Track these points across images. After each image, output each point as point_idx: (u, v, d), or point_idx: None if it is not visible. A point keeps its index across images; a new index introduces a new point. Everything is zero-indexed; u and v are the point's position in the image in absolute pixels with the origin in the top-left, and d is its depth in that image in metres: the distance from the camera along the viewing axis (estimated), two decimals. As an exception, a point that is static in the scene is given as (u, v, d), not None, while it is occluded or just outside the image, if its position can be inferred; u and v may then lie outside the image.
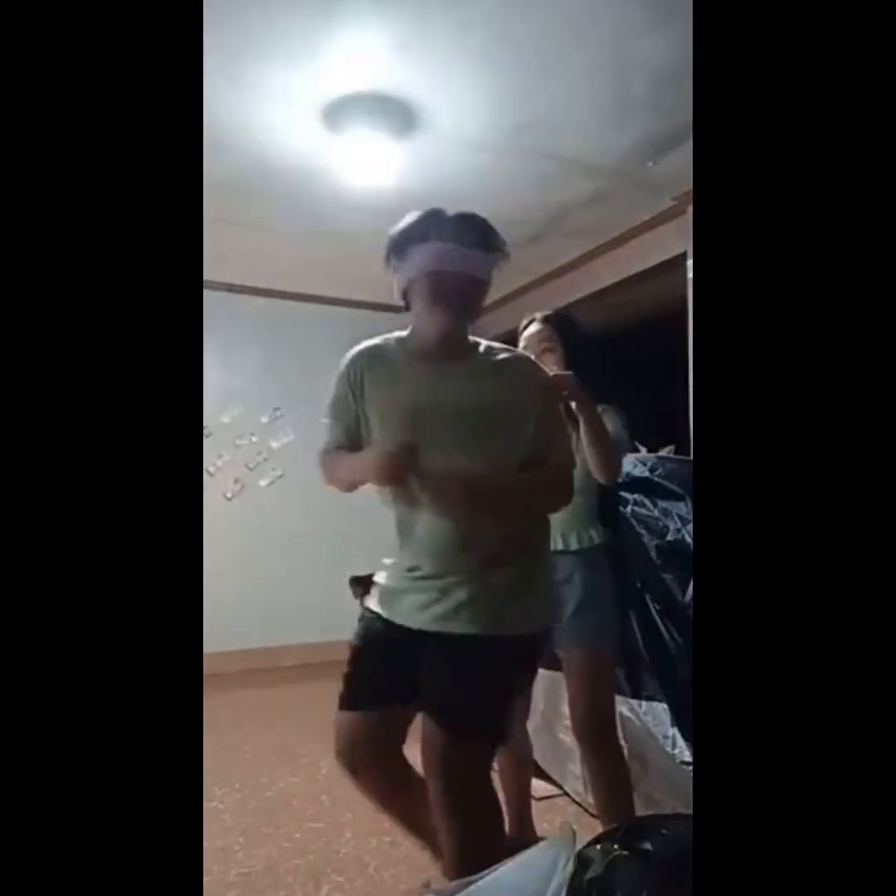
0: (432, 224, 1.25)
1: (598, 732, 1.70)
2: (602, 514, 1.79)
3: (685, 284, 2.96)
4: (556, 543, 1.77)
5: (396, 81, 2.20)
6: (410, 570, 1.31)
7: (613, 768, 1.72)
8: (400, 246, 1.26)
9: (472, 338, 1.36)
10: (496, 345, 1.37)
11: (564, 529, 1.74)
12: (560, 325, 1.81)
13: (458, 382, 1.28)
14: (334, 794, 2.31)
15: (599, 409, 1.68)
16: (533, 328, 1.83)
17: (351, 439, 1.37)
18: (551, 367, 1.76)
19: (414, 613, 1.28)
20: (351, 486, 1.39)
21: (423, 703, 1.27)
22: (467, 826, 1.23)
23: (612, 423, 1.70)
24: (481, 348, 1.35)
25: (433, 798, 1.24)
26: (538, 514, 1.38)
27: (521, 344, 1.83)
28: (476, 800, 1.26)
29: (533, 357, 1.78)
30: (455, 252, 1.22)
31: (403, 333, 1.37)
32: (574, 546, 1.73)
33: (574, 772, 2.16)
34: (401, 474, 1.22)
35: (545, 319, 1.83)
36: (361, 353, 1.37)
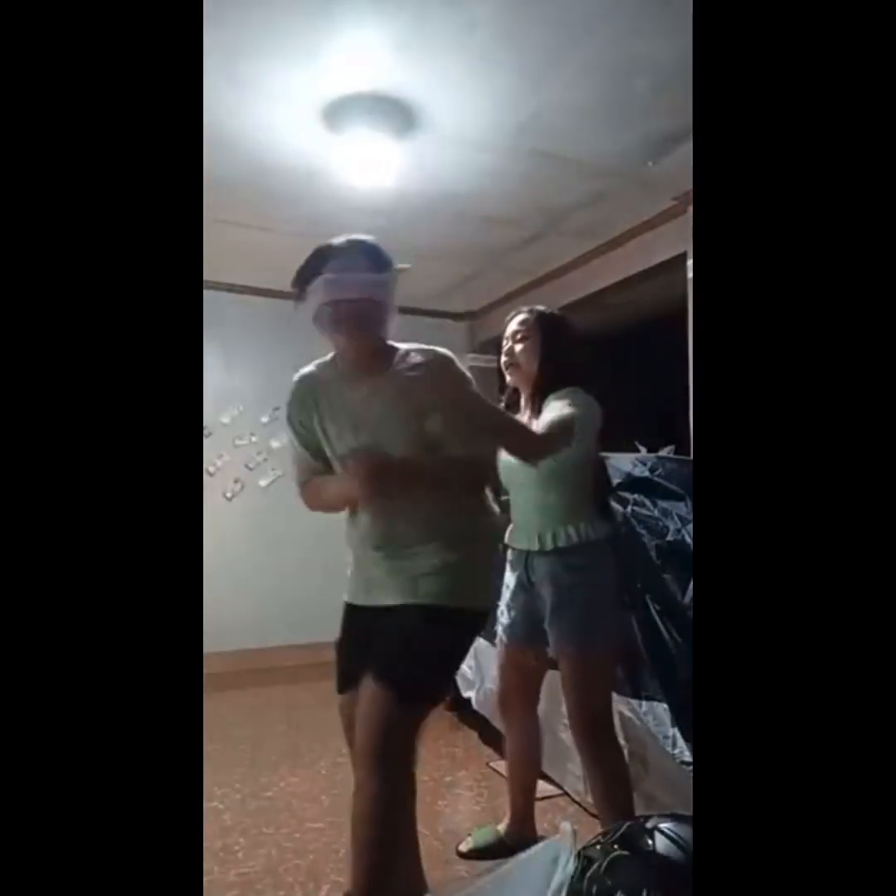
0: (320, 260, 1.37)
1: (591, 731, 1.70)
2: (590, 510, 1.75)
3: (685, 284, 2.96)
4: (532, 543, 1.77)
5: (396, 81, 2.20)
6: (358, 555, 1.49)
7: (611, 767, 1.71)
8: (301, 284, 1.38)
9: (392, 344, 1.46)
10: (415, 347, 1.45)
11: (540, 529, 1.74)
12: (542, 318, 1.84)
13: (381, 394, 1.40)
14: (334, 794, 2.31)
15: (563, 392, 1.70)
16: (515, 319, 1.87)
17: (322, 462, 1.50)
18: (526, 356, 1.82)
19: (361, 594, 1.48)
20: (334, 508, 1.53)
21: (369, 669, 1.37)
22: (378, 776, 1.30)
23: (567, 407, 1.64)
24: (399, 355, 1.44)
25: (358, 751, 1.34)
26: (441, 501, 1.44)
27: (504, 334, 1.88)
28: (393, 753, 1.32)
29: (508, 345, 1.86)
30: (345, 279, 1.34)
31: (329, 356, 1.51)
32: (549, 545, 1.72)
33: (574, 771, 2.16)
34: (380, 481, 1.33)
35: (530, 311, 1.87)
36: (302, 380, 1.51)
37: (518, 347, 1.83)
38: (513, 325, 1.86)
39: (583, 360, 1.84)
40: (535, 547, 1.75)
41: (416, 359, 1.42)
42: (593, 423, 1.73)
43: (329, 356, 1.51)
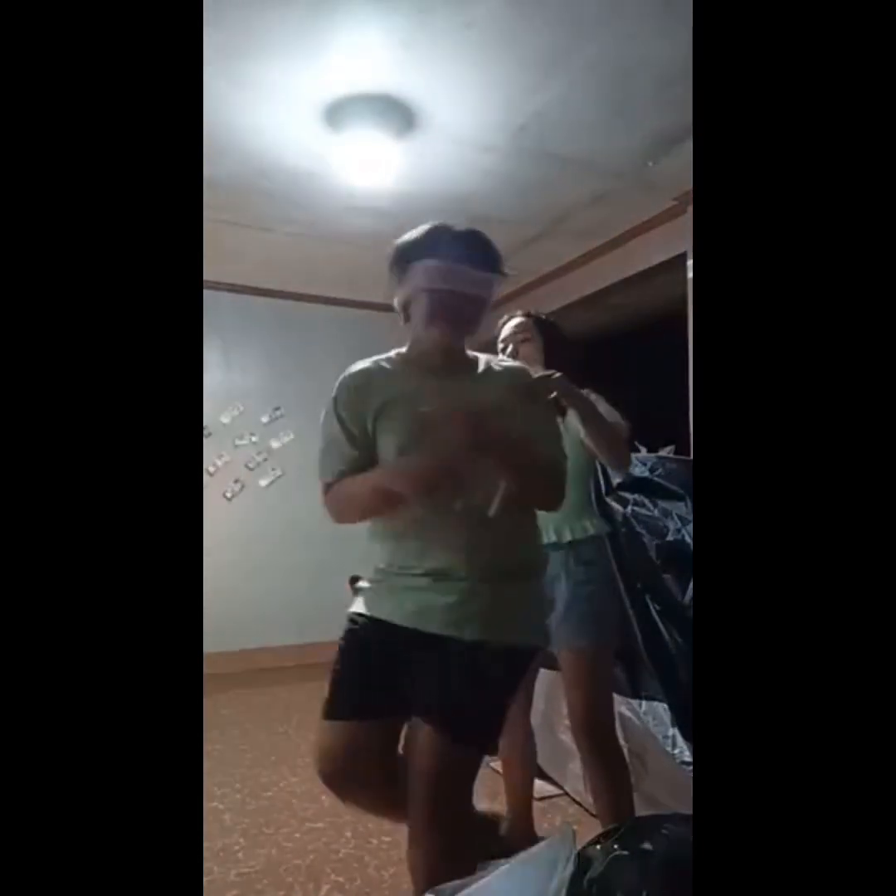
0: (434, 241, 1.25)
1: (593, 731, 1.70)
2: (597, 505, 1.80)
3: (685, 284, 2.96)
4: (549, 536, 1.77)
5: (397, 81, 2.20)
6: (404, 568, 1.27)
7: (612, 768, 1.71)
8: (401, 260, 1.27)
9: (471, 353, 1.37)
10: (495, 360, 1.39)
11: (557, 525, 1.74)
12: (539, 321, 1.86)
13: (459, 394, 1.27)
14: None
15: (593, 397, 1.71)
16: (513, 321, 1.88)
17: (358, 469, 1.30)
18: (529, 358, 1.80)
19: (411, 614, 1.25)
20: (370, 511, 1.31)
21: (418, 706, 1.23)
22: (448, 834, 1.20)
23: (602, 406, 1.71)
24: (481, 363, 1.36)
25: (418, 803, 1.21)
26: (532, 503, 1.35)
27: (500, 337, 1.88)
28: (461, 808, 1.23)
29: (511, 348, 1.85)
30: (454, 271, 1.22)
31: (400, 350, 1.37)
32: (567, 537, 1.73)
33: (574, 772, 2.16)
34: (439, 481, 1.15)
35: (525, 314, 1.88)
36: (361, 372, 1.34)
37: (522, 349, 1.83)
38: (510, 329, 1.87)
39: (579, 361, 1.85)
40: (552, 539, 1.75)
41: (497, 368, 1.36)
42: None
43: (393, 352, 1.37)
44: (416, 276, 1.24)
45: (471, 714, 1.20)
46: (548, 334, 1.84)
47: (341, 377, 1.35)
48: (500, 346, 1.87)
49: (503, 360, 1.41)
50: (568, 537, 1.73)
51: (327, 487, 1.33)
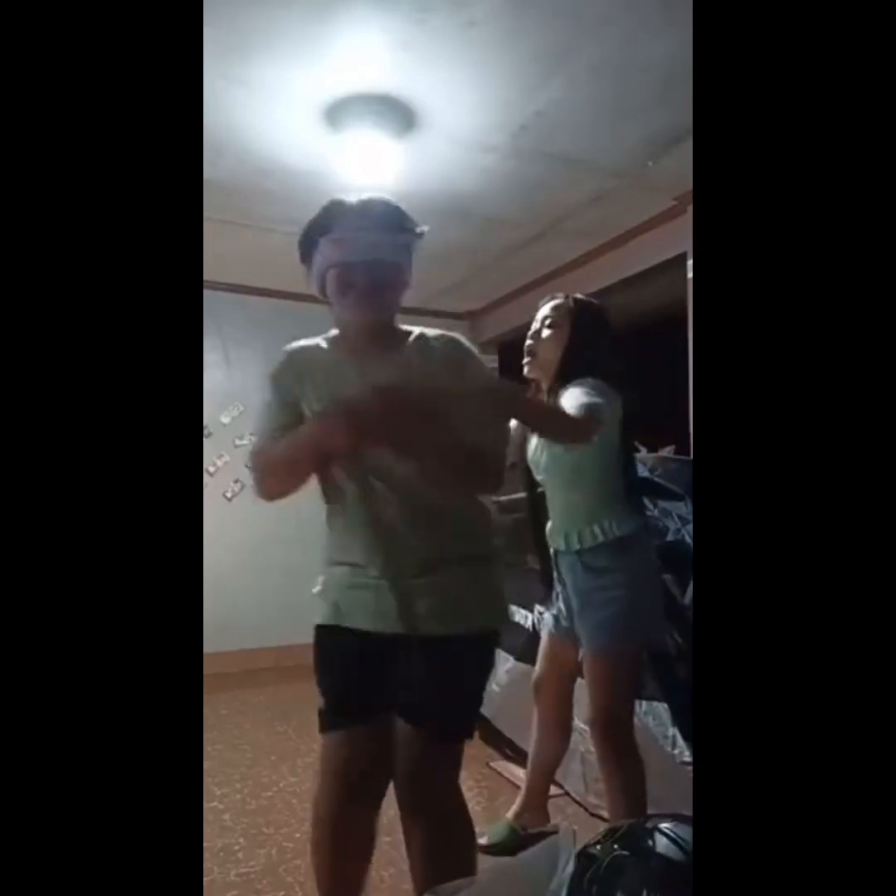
0: (335, 214, 1.22)
1: (605, 733, 1.68)
2: (617, 508, 1.69)
3: (685, 284, 2.96)
4: (558, 544, 1.77)
5: (397, 81, 2.20)
6: (356, 568, 1.25)
7: (627, 774, 1.67)
8: (307, 243, 1.24)
9: (404, 327, 1.30)
10: (429, 331, 1.29)
11: (567, 529, 1.73)
12: (579, 306, 1.75)
13: (388, 373, 1.20)
14: (334, 794, 2.31)
15: (581, 381, 1.60)
16: (550, 303, 1.78)
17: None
18: (547, 348, 1.72)
19: (375, 618, 1.22)
20: (295, 473, 1.25)
21: (399, 707, 1.22)
22: (441, 831, 1.21)
23: (585, 395, 1.55)
24: (412, 337, 1.27)
25: (406, 802, 1.22)
26: (460, 487, 1.25)
27: (536, 316, 1.79)
28: (451, 802, 1.23)
29: (536, 327, 1.74)
30: (359, 240, 1.19)
31: (331, 333, 1.33)
32: (575, 546, 1.71)
33: (575, 771, 2.16)
34: (357, 432, 1.08)
35: (566, 297, 1.78)
36: (296, 352, 1.33)
37: (545, 333, 1.74)
38: (544, 310, 1.77)
39: (610, 355, 1.75)
40: (562, 547, 1.74)
41: (431, 341, 1.26)
42: (614, 415, 1.65)
43: (330, 333, 1.33)
44: (323, 253, 1.21)
45: (443, 709, 1.20)
46: (580, 322, 1.72)
47: (286, 351, 1.34)
48: (531, 328, 1.78)
49: (437, 335, 1.28)
50: (576, 545, 1.70)
51: (256, 452, 1.29)
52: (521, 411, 1.44)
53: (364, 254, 1.19)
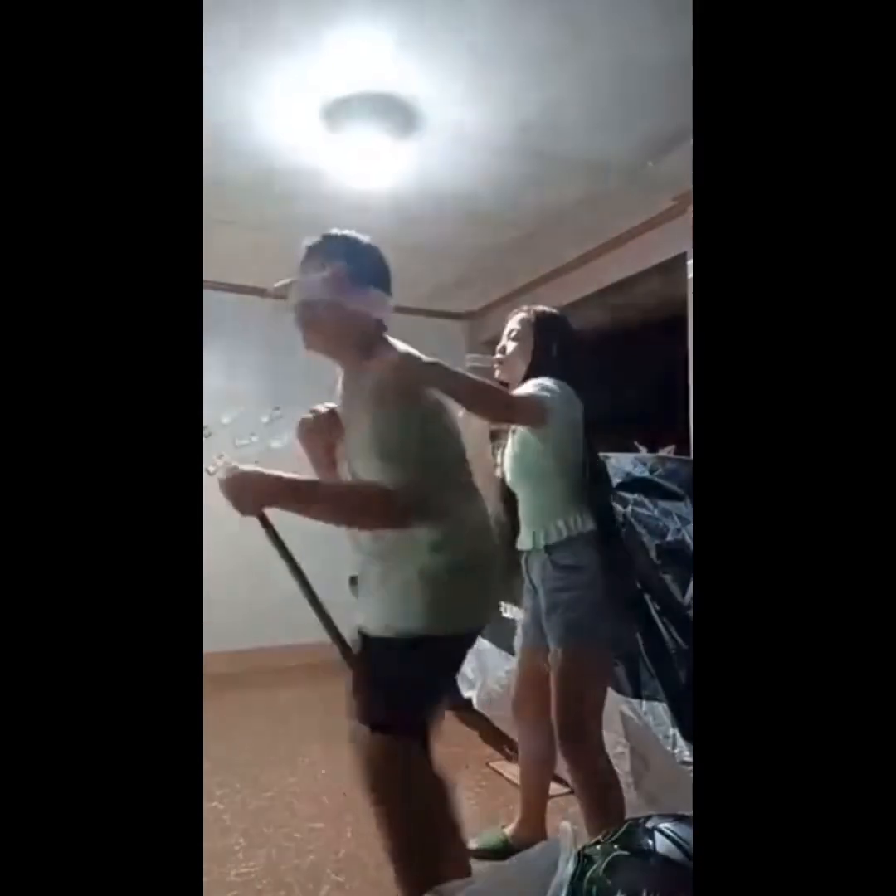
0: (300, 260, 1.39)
1: (566, 734, 1.67)
2: (581, 507, 1.71)
3: (685, 284, 2.96)
4: (527, 544, 1.77)
5: (397, 81, 2.20)
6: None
7: (591, 777, 1.66)
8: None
9: (391, 346, 1.37)
10: (394, 357, 1.34)
11: (534, 528, 1.74)
12: (540, 319, 1.83)
13: (343, 401, 1.41)
14: (334, 794, 2.31)
15: (535, 379, 1.71)
16: (516, 316, 1.87)
17: None
18: (513, 361, 1.82)
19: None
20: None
21: None
22: (399, 823, 1.32)
23: (532, 386, 1.69)
24: (372, 362, 1.33)
25: (367, 797, 1.34)
26: (350, 524, 1.38)
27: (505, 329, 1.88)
28: (402, 792, 1.31)
29: (503, 342, 1.85)
30: (293, 286, 1.36)
31: None
32: (541, 543, 1.71)
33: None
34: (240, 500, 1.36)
35: (527, 310, 1.86)
36: None
37: (510, 346, 1.84)
38: (511, 323, 1.86)
39: (575, 363, 1.82)
40: (529, 545, 1.75)
41: (372, 368, 1.30)
42: (571, 411, 1.70)
43: None
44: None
45: (374, 703, 1.33)
46: (541, 334, 1.80)
47: None
48: (501, 340, 1.87)
49: (389, 364, 1.32)
50: (542, 542, 1.71)
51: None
52: (444, 380, 1.43)
53: (292, 298, 1.37)
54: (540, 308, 1.89)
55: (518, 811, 1.96)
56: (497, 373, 1.89)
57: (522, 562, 1.83)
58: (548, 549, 1.70)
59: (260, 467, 1.28)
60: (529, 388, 1.69)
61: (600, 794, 1.65)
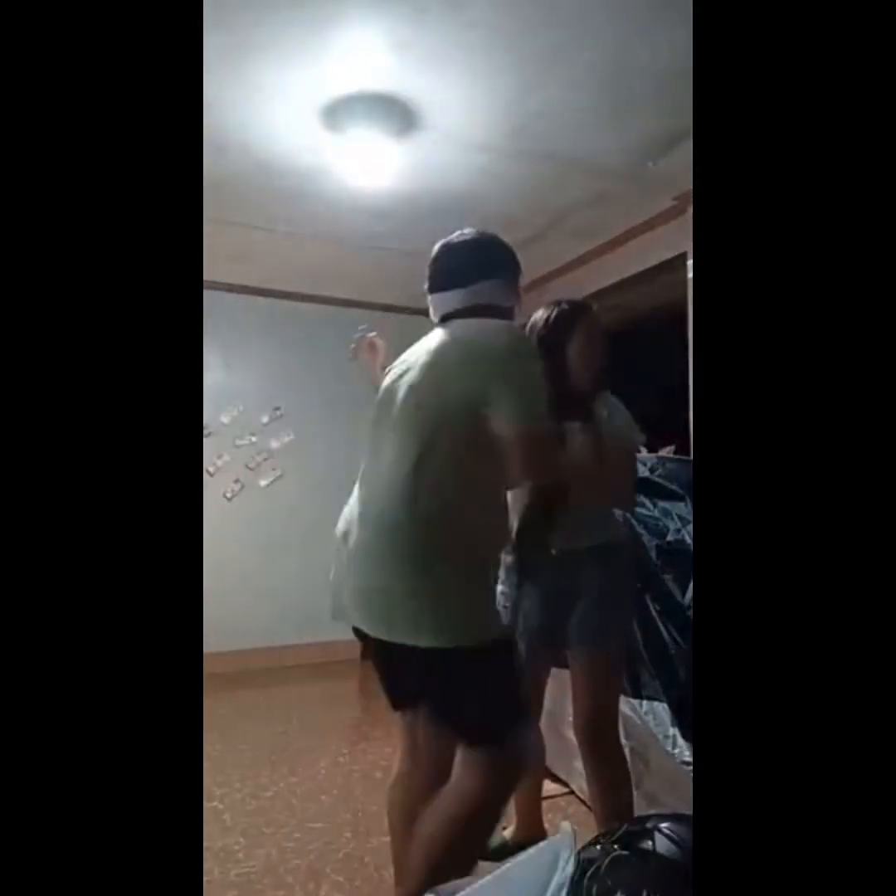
0: None
1: (591, 734, 1.68)
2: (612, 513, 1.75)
3: (685, 284, 2.96)
4: (574, 542, 1.74)
5: (396, 81, 2.19)
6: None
7: (610, 771, 1.68)
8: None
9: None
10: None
11: (586, 527, 1.70)
12: (564, 311, 1.74)
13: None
14: (334, 794, 2.31)
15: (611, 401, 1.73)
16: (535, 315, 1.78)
17: None
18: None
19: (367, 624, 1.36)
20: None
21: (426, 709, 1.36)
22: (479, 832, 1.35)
23: (619, 417, 1.74)
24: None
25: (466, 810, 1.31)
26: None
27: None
28: (501, 802, 1.34)
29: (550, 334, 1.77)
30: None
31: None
32: (587, 543, 1.69)
33: (579, 770, 2.14)
34: None
35: (556, 303, 1.77)
36: None
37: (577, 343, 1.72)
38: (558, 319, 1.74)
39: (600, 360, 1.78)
40: (585, 544, 1.70)
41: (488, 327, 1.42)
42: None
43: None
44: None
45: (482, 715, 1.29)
46: (562, 330, 1.71)
47: None
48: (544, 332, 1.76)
49: None
50: (587, 543, 1.68)
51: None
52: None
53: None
54: (567, 301, 1.79)
55: (515, 818, 1.95)
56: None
57: (544, 564, 1.77)
58: (595, 550, 1.68)
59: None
60: (620, 421, 1.71)
61: (616, 791, 1.66)
